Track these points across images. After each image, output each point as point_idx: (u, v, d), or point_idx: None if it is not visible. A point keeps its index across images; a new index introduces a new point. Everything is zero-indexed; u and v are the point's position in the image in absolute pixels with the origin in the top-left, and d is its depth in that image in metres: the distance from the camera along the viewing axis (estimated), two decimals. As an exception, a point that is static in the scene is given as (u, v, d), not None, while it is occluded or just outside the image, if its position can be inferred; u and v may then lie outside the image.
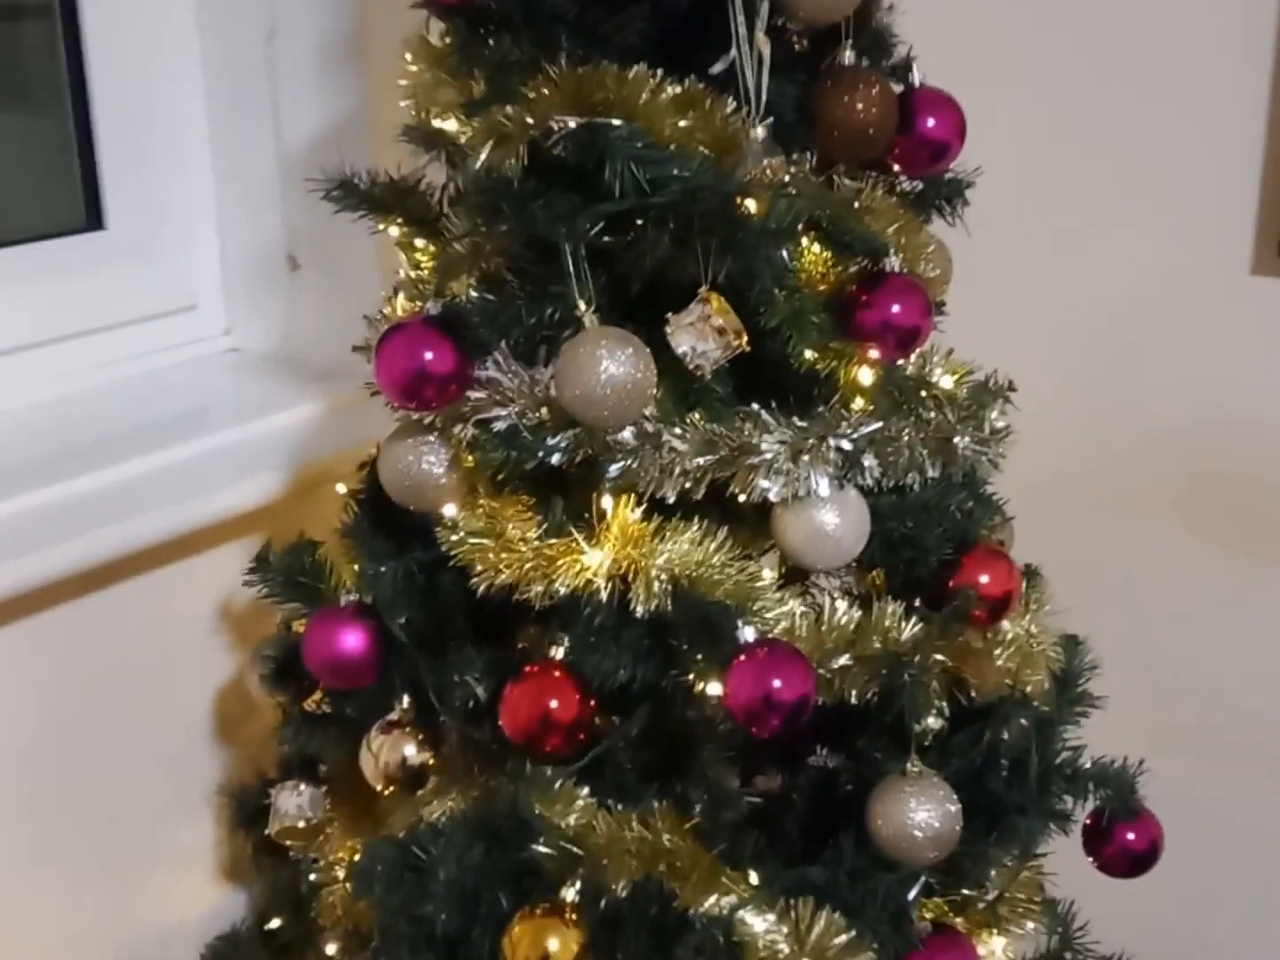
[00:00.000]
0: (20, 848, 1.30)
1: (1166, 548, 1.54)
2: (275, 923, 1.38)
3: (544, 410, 0.96)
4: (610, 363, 0.92)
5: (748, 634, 0.94)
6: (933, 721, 1.05)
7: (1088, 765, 1.18)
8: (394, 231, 1.13)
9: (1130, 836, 1.19)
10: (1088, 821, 1.21)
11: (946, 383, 1.10)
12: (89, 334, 1.46)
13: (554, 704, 0.97)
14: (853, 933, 1.00)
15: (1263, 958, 1.58)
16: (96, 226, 1.48)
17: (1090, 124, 1.46)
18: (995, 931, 1.12)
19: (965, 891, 1.12)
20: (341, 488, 1.13)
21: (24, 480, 1.24)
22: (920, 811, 1.00)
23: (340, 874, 1.26)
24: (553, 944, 0.97)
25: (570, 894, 0.99)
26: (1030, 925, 1.17)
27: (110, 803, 1.36)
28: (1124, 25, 1.41)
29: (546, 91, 0.95)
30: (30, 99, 1.49)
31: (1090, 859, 1.21)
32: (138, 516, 1.23)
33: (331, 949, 1.29)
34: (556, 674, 0.98)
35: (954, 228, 1.14)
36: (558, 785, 1.06)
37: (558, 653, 0.99)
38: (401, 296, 1.05)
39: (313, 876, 1.29)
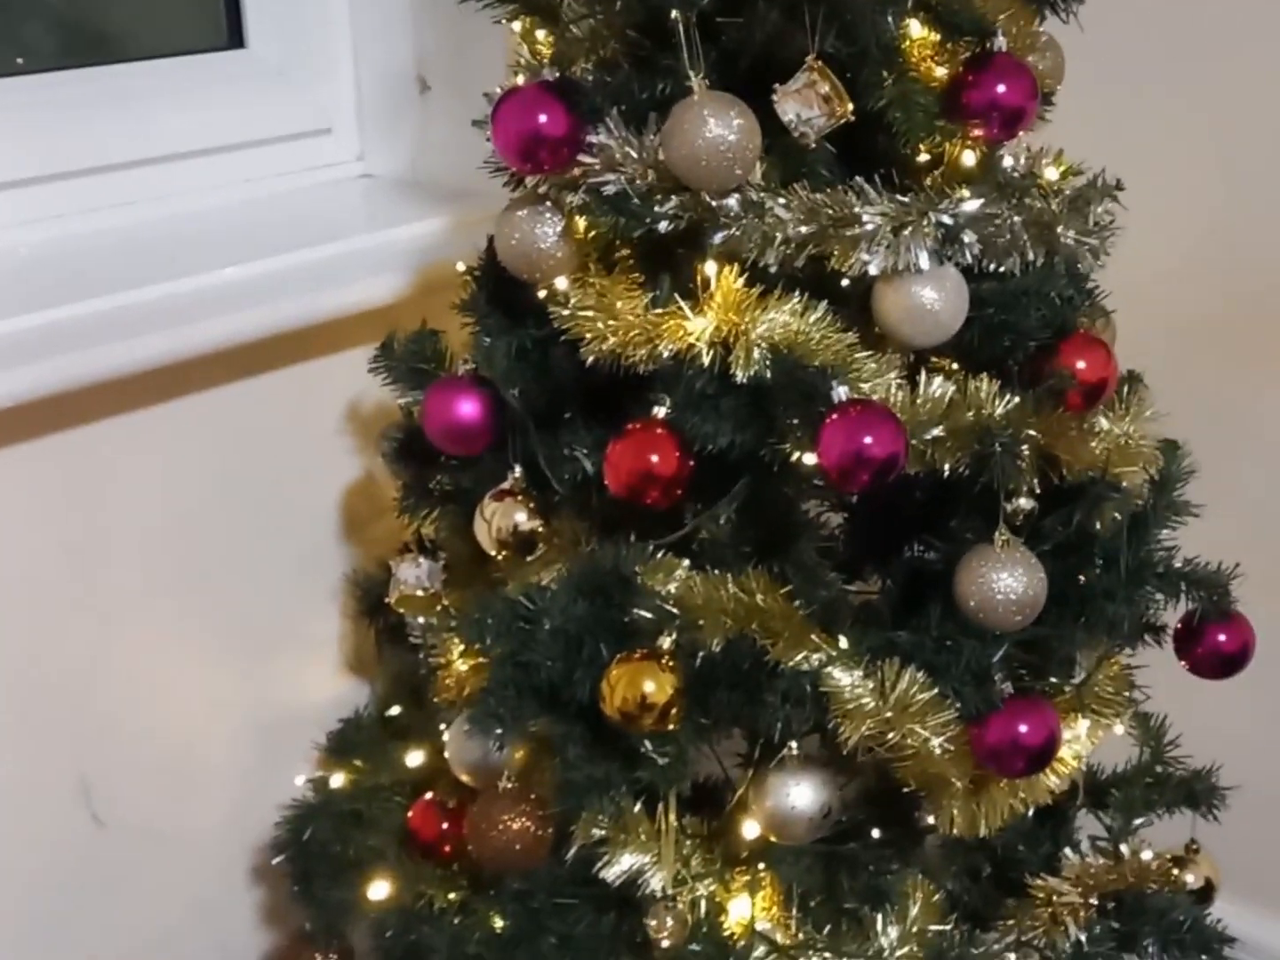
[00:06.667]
0: (164, 619, 1.39)
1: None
2: (395, 710, 1.46)
3: (652, 175, 1.00)
4: (716, 123, 0.95)
5: (841, 393, 0.98)
6: (1024, 502, 1.07)
7: (1181, 566, 1.20)
8: (516, 25, 1.17)
9: (1222, 638, 1.20)
10: (1178, 626, 1.23)
11: (1053, 175, 1.11)
12: (228, 150, 1.51)
13: (655, 458, 1.02)
14: (935, 691, 1.04)
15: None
16: (238, 45, 1.54)
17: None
18: (1081, 716, 1.15)
19: (1053, 679, 1.16)
20: (460, 265, 1.19)
21: (171, 269, 1.32)
22: (1006, 577, 1.03)
23: (455, 655, 1.33)
24: (649, 686, 1.03)
25: (666, 642, 1.05)
26: (1118, 720, 1.20)
27: (245, 586, 1.45)
28: None
29: None
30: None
31: (1181, 661, 1.23)
32: (275, 303, 1.31)
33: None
34: (658, 431, 1.03)
35: (1067, 24, 1.15)
36: (659, 555, 1.11)
37: (659, 412, 1.04)
38: (521, 77, 1.09)
39: (431, 660, 1.37)
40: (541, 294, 1.11)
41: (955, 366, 1.11)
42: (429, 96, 1.58)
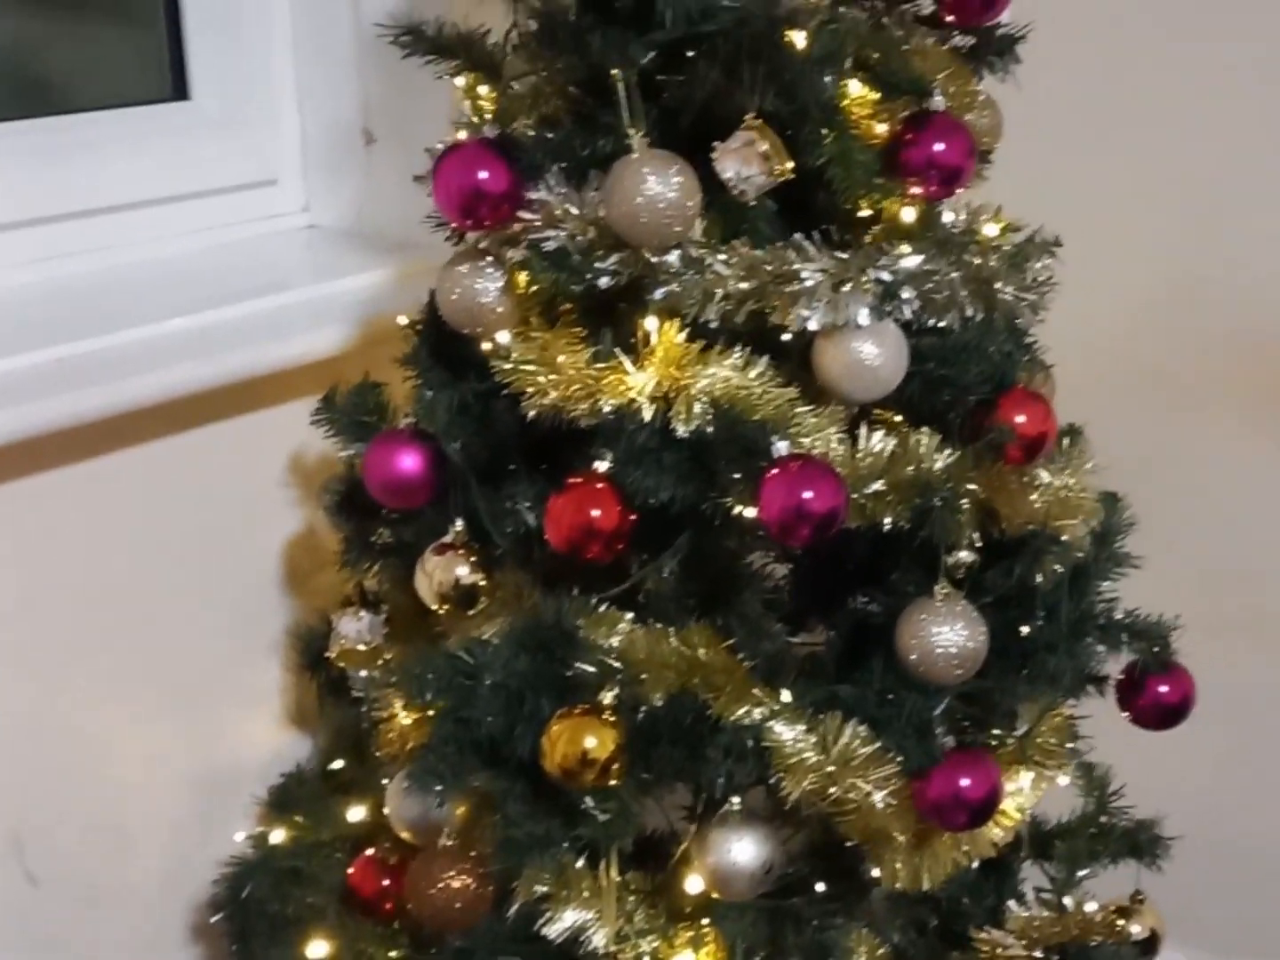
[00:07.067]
0: (101, 671, 1.37)
1: (1238, 443, 1.56)
2: (338, 763, 1.44)
3: (592, 231, 1.01)
4: (656, 180, 0.96)
5: (781, 448, 0.98)
6: (965, 555, 1.08)
7: (1122, 617, 1.21)
8: (459, 81, 1.18)
9: (1163, 689, 1.21)
10: (1121, 677, 1.23)
11: (992, 231, 1.12)
12: (172, 201, 1.51)
13: (596, 513, 1.02)
14: (877, 744, 1.04)
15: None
16: (182, 97, 1.54)
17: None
18: (1024, 768, 1.15)
19: (996, 731, 1.16)
20: (403, 319, 1.19)
21: (114, 321, 1.31)
22: (946, 631, 1.03)
23: (399, 708, 1.31)
24: (590, 741, 1.02)
25: (608, 697, 1.04)
26: (1060, 770, 1.20)
27: (185, 639, 1.42)
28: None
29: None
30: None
31: (1124, 712, 1.24)
32: (219, 355, 1.30)
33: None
34: (599, 485, 1.03)
35: (1004, 83, 1.17)
36: (602, 609, 1.11)
37: (601, 467, 1.04)
38: (463, 133, 1.10)
39: (373, 714, 1.35)
40: (484, 348, 1.11)
41: (898, 419, 1.12)
42: (374, 148, 1.58)
